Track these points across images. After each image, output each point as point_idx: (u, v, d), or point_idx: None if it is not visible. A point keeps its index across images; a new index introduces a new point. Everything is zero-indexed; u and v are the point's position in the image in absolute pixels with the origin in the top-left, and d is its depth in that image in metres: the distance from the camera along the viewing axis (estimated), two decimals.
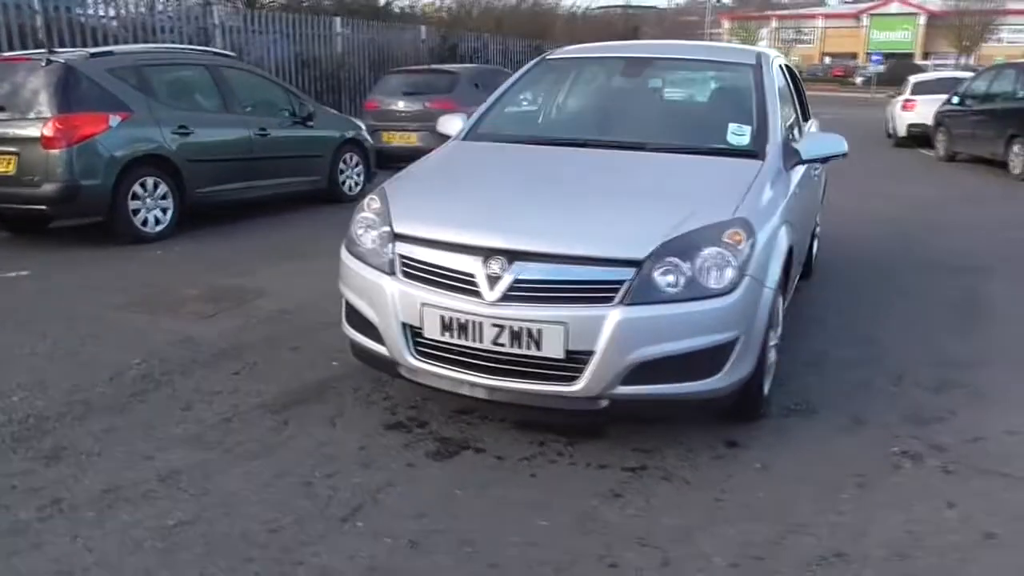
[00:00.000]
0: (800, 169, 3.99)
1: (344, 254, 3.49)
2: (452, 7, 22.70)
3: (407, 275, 3.16)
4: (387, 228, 3.31)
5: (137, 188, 6.60)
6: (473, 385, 3.09)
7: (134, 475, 2.92)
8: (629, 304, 2.88)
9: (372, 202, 3.52)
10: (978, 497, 2.90)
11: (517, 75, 4.57)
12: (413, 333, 3.14)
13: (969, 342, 4.60)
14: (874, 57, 47.57)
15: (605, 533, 2.63)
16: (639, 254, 2.92)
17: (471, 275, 3.01)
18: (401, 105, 11.43)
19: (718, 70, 4.49)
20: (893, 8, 70.64)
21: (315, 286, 5.32)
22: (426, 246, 3.16)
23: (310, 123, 8.39)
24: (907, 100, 16.22)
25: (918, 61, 57.50)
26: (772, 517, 2.74)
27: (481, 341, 2.98)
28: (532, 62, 4.68)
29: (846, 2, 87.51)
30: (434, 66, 13.58)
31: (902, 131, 16.18)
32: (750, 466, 3.10)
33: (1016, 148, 11.52)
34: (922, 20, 68.58)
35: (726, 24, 72.08)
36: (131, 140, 6.57)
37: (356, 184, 9.11)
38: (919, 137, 15.67)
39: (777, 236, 3.31)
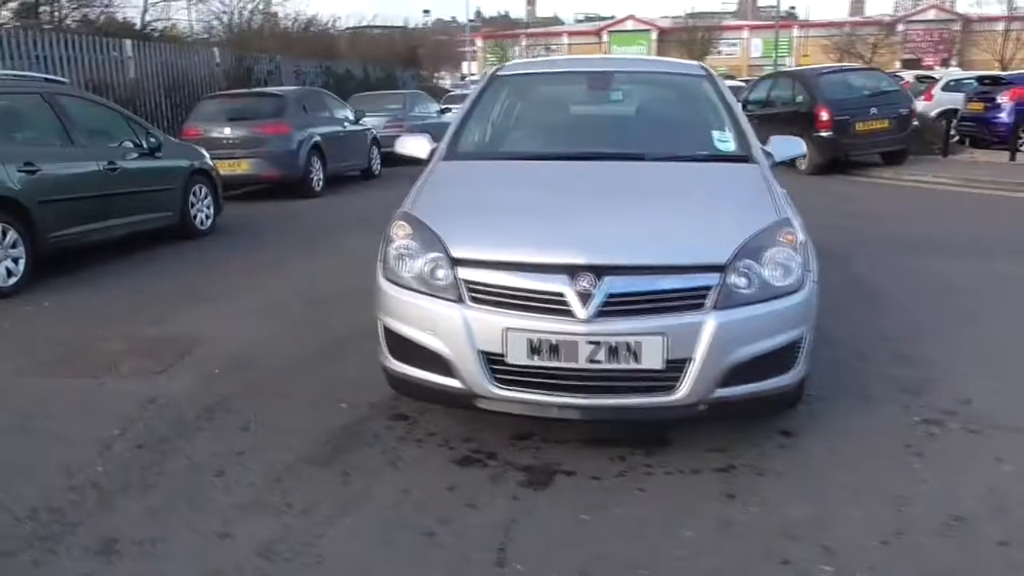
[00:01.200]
0: None
1: (386, 285, 3.27)
2: (234, 27, 21.65)
3: (478, 301, 3.03)
4: (436, 254, 3.14)
5: None
6: (564, 407, 3.02)
7: (225, 556, 2.57)
8: (720, 309, 2.95)
9: (400, 229, 3.34)
10: (1015, 449, 3.25)
11: (475, 92, 4.50)
12: (491, 360, 3.01)
13: (885, 318, 5.12)
14: None
15: (749, 533, 2.68)
16: (721, 259, 3.00)
17: (559, 294, 2.94)
18: (227, 131, 10.75)
19: (675, 80, 4.69)
20: (629, 25, 76.51)
21: (251, 327, 4.96)
22: (496, 269, 3.04)
23: (158, 154, 7.68)
24: None
25: None
26: (875, 494, 2.91)
27: (576, 360, 2.92)
28: (484, 79, 4.63)
29: (580, 20, 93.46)
30: (256, 90, 12.93)
31: None
32: (818, 451, 3.27)
33: None
34: (654, 36, 74.78)
35: (479, 43, 74.32)
36: None
37: (207, 217, 8.46)
38: None
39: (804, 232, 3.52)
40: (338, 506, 2.86)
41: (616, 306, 2.92)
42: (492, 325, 2.98)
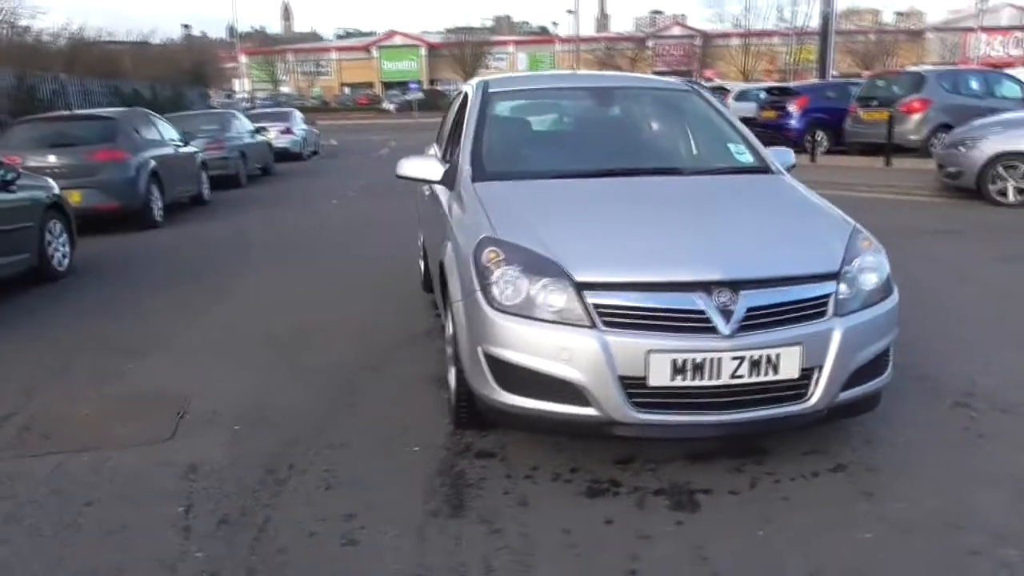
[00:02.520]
0: None
1: (494, 314, 3.07)
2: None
3: (613, 325, 2.94)
4: (550, 278, 3.01)
5: None
6: (703, 426, 3.01)
7: None
8: (839, 316, 3.07)
9: (493, 254, 3.16)
10: None
11: (475, 110, 4.33)
12: (628, 385, 2.93)
13: None
14: (412, 85, 51.34)
15: (919, 528, 2.80)
16: (834, 267, 3.13)
17: (700, 311, 2.93)
18: (51, 159, 9.54)
19: (668, 95, 4.78)
20: (398, 40, 76.81)
21: (227, 375, 4.54)
22: (629, 291, 2.98)
23: (13, 188, 6.69)
24: None
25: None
26: (987, 476, 3.15)
27: (719, 377, 2.93)
28: (477, 96, 4.46)
29: (342, 36, 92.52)
30: (80, 112, 11.59)
31: None
32: (900, 444, 3.48)
33: None
34: (424, 51, 75.66)
35: (243, 59, 71.33)
36: None
37: (64, 256, 7.48)
38: None
39: None
40: (516, 559, 2.66)
41: (754, 319, 2.95)
42: (633, 349, 2.91)
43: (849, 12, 61.81)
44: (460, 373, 3.39)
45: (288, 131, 20.93)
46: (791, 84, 20.16)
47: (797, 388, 3.02)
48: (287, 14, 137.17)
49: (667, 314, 2.93)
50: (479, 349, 3.17)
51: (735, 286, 2.96)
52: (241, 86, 57.59)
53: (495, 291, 3.10)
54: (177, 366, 4.69)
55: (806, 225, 3.43)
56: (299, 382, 4.35)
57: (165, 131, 11.69)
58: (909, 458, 3.34)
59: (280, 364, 4.69)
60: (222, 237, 9.55)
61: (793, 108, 16.16)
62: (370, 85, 74.80)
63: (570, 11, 74.21)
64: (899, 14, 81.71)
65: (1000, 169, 10.05)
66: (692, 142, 4.36)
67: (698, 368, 2.91)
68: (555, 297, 3.00)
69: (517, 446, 3.45)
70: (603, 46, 63.33)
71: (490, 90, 4.53)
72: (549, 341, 2.99)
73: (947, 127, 13.86)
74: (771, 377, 2.97)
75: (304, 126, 22.74)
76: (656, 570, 2.59)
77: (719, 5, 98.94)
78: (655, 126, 4.54)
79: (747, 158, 4.16)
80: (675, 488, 3.10)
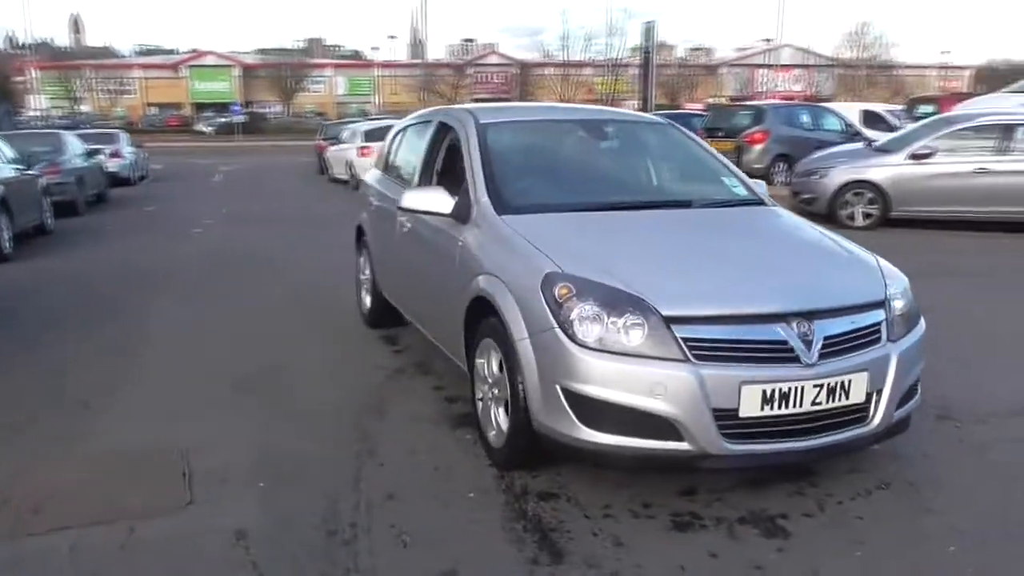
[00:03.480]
0: None
1: (578, 350, 3.02)
2: None
3: (704, 358, 2.97)
4: (635, 313, 3.00)
5: None
6: (786, 453, 3.09)
7: None
8: (893, 341, 3.27)
9: (565, 290, 3.11)
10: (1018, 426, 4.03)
11: (475, 142, 4.23)
12: (720, 417, 2.97)
13: None
14: (234, 107, 49.20)
15: (990, 535, 3.02)
16: (882, 295, 3.33)
17: (783, 342, 3.01)
18: None
19: (651, 129, 4.87)
20: (210, 60, 73.53)
21: (219, 423, 4.16)
22: (717, 324, 3.02)
23: None
24: (363, 147, 17.71)
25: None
26: (1007, 480, 3.45)
27: (801, 405, 3.02)
28: (470, 127, 4.36)
29: (142, 52, 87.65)
30: None
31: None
32: (920, 457, 3.73)
33: None
34: (238, 72, 72.87)
35: (35, 73, 65.64)
36: None
37: None
38: None
39: None
40: None
41: (830, 348, 3.08)
42: (727, 381, 2.95)
43: (657, 47, 65.97)
44: (521, 412, 3.27)
45: (117, 154, 19.45)
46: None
47: (862, 412, 3.17)
48: (77, 27, 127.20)
49: (755, 346, 3.00)
50: (557, 386, 3.09)
51: (811, 316, 3.08)
52: (35, 103, 52.87)
53: (577, 327, 3.04)
54: (147, 418, 4.22)
55: (842, 256, 3.62)
56: (301, 429, 4.04)
57: (5, 152, 10.55)
58: (937, 471, 3.58)
59: (266, 408, 4.34)
60: (94, 271, 8.69)
61: None
62: (179, 106, 71.09)
63: (392, 36, 74.11)
64: (694, 49, 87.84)
65: (849, 196, 11.06)
66: (689, 174, 4.48)
67: (784, 397, 2.99)
68: (643, 332, 2.99)
69: (576, 485, 3.38)
70: (423, 72, 63.64)
71: (482, 121, 4.44)
72: (641, 376, 2.96)
73: (784, 156, 15.09)
74: (843, 402, 3.10)
75: (132, 148, 21.24)
76: None
77: (532, 35, 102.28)
78: (651, 159, 4.62)
79: (742, 191, 4.33)
80: (755, 516, 3.15)
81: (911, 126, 12.60)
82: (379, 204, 5.45)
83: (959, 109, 15.01)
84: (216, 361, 5.19)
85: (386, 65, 73.92)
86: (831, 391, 3.05)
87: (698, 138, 4.76)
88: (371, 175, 6.03)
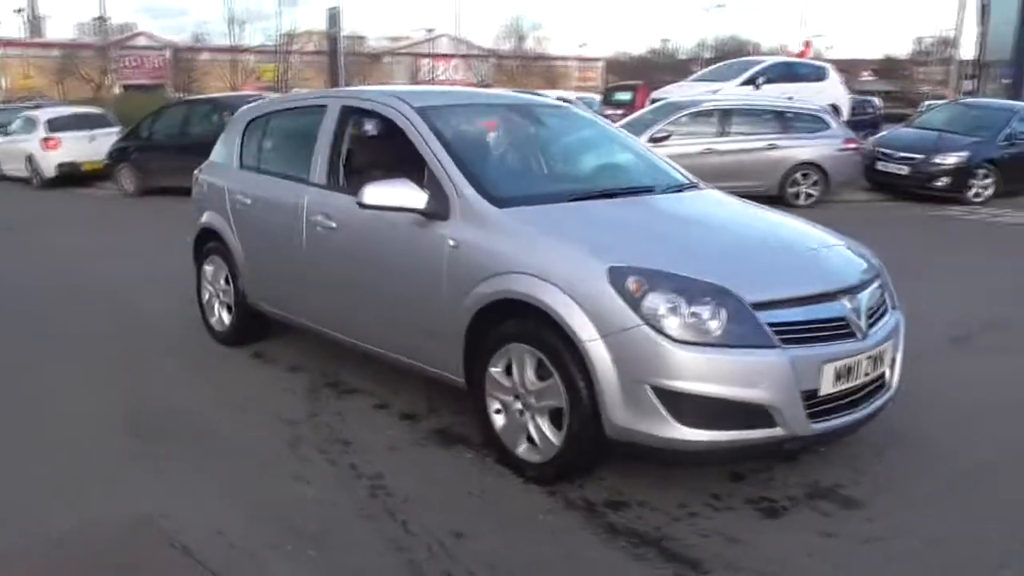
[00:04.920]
0: None
1: (674, 347, 2.86)
2: None
3: (787, 341, 2.98)
4: (718, 302, 2.92)
5: None
6: (849, 425, 3.19)
7: None
8: (894, 308, 3.54)
9: (636, 283, 2.95)
10: None
11: (426, 129, 3.79)
12: (806, 398, 3.01)
13: None
14: None
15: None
16: (878, 267, 3.58)
17: (842, 319, 3.12)
18: None
19: (574, 115, 4.69)
20: None
21: (194, 483, 3.40)
22: (791, 306, 3.05)
23: None
24: (48, 139, 15.28)
25: None
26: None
27: (859, 377, 3.17)
28: (412, 115, 3.90)
29: None
30: None
31: (51, 172, 15.25)
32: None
33: None
34: None
35: None
36: None
37: None
38: (71, 176, 15.22)
39: None
40: None
41: (871, 321, 3.25)
42: (811, 362, 2.99)
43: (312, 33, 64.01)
44: (587, 419, 3.03)
45: None
46: None
47: (882, 379, 3.38)
48: None
49: (827, 325, 3.07)
50: (646, 386, 2.91)
51: (853, 292, 3.21)
52: None
53: (665, 322, 2.88)
54: (69, 487, 3.26)
55: (823, 233, 3.78)
56: (273, 474, 3.39)
57: None
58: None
59: (205, 458, 3.56)
60: None
61: None
62: None
63: (19, 10, 64.66)
64: (347, 37, 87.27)
65: None
66: (629, 160, 4.42)
67: (849, 371, 3.10)
68: (731, 321, 2.91)
69: (630, 489, 3.22)
70: (61, 53, 56.29)
71: (417, 105, 4.01)
72: (739, 366, 2.90)
73: None
74: (878, 371, 3.29)
75: None
76: (941, 555, 2.74)
77: (176, 17, 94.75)
78: (592, 145, 4.49)
79: (678, 175, 4.36)
80: (819, 490, 3.23)
81: (643, 111, 13.62)
82: (256, 203, 4.71)
83: (655, 95, 16.52)
84: (104, 399, 4.20)
85: (11, 44, 64.15)
86: (874, 361, 3.22)
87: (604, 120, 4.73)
88: (218, 171, 5.18)
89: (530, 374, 3.23)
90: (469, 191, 3.53)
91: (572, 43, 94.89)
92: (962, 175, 12.10)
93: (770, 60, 17.58)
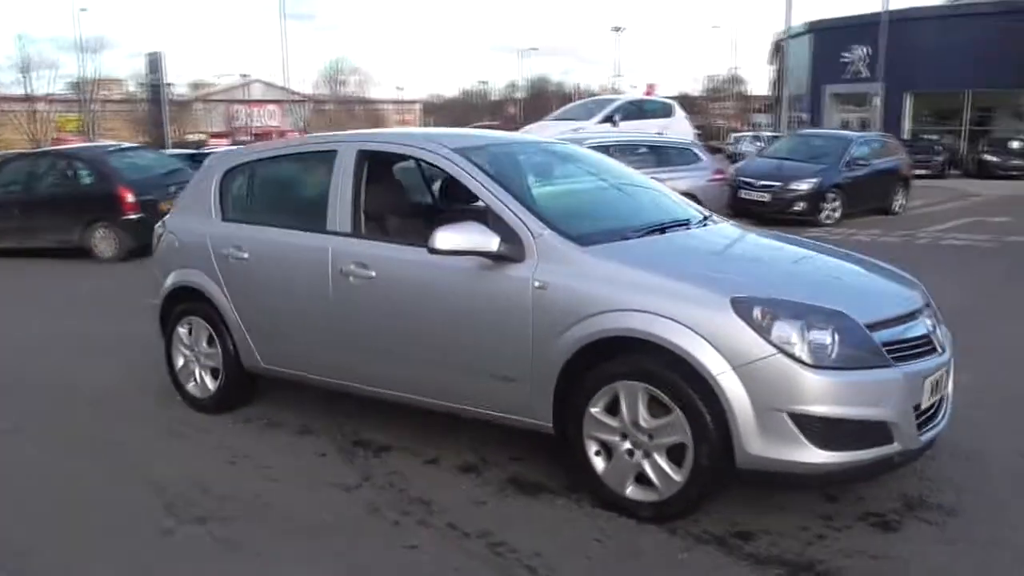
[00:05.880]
0: None
1: (811, 373, 2.94)
2: None
3: (898, 359, 3.13)
4: (841, 327, 3.03)
5: None
6: (933, 438, 3.35)
7: None
8: (940, 323, 3.78)
9: (763, 312, 3.02)
10: None
11: (474, 170, 3.70)
12: (915, 412, 3.17)
13: None
14: None
15: None
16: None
17: (927, 335, 3.33)
18: None
19: (582, 152, 4.71)
20: None
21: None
22: (893, 326, 3.22)
23: None
24: None
25: None
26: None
27: (943, 389, 3.39)
28: (453, 155, 3.81)
29: None
30: None
31: None
32: None
33: (100, 232, 11.69)
34: None
35: None
36: None
37: None
38: None
39: None
40: None
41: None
42: (916, 378, 3.16)
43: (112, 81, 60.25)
44: (715, 452, 3.04)
45: None
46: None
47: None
48: None
49: (920, 342, 3.25)
50: (783, 413, 2.96)
51: (926, 309, 3.44)
52: None
53: (797, 349, 2.96)
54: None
55: (862, 255, 4.01)
56: (396, 545, 3.13)
57: None
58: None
59: (311, 533, 3.22)
60: None
61: None
62: None
63: None
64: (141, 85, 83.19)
65: None
66: (654, 194, 4.46)
67: (937, 384, 3.30)
68: (852, 343, 3.03)
69: (740, 517, 3.25)
70: None
71: (455, 146, 3.91)
72: (866, 387, 3.02)
73: None
74: (950, 383, 3.51)
75: None
76: None
77: None
78: (615, 182, 4.50)
79: (694, 209, 4.47)
80: (915, 502, 3.39)
81: None
82: (257, 257, 4.36)
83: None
84: (107, 496, 3.66)
85: None
86: (947, 373, 3.44)
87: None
88: (192, 225, 4.74)
89: (643, 412, 3.19)
90: (547, 231, 3.47)
91: (390, 86, 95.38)
92: (815, 199, 13.22)
93: (621, 99, 18.48)
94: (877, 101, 29.21)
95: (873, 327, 3.10)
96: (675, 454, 3.16)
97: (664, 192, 4.51)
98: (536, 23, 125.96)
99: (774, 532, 3.14)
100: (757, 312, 3.01)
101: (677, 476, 3.15)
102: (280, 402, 4.76)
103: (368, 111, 66.94)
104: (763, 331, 2.98)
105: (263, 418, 4.58)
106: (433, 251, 3.47)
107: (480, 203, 3.75)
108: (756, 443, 2.99)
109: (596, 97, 21.29)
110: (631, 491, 3.27)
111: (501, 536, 3.16)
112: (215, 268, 4.52)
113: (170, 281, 4.78)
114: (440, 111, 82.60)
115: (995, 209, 15.87)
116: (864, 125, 28.90)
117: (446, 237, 3.46)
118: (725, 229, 4.18)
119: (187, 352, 4.77)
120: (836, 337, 3.00)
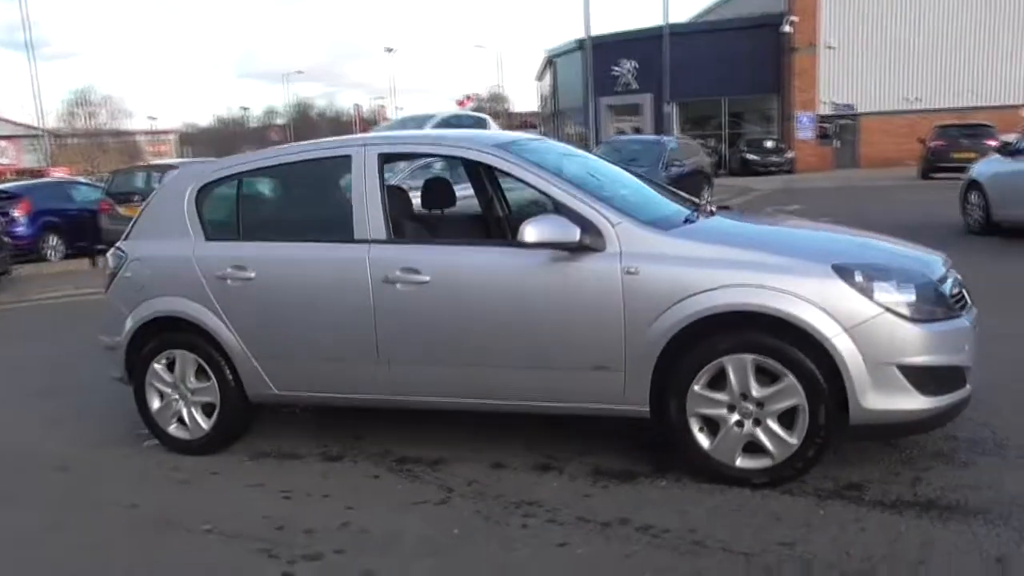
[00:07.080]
0: None
1: (916, 327, 3.24)
2: None
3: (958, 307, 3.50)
4: (921, 284, 3.34)
5: None
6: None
7: None
8: None
9: (863, 276, 3.26)
10: None
11: (529, 164, 3.68)
12: None
13: None
14: None
15: None
16: None
17: (960, 292, 3.66)
18: None
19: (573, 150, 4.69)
20: None
21: None
22: (944, 282, 3.54)
23: None
24: None
25: None
26: None
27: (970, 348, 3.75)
28: (503, 151, 3.77)
29: None
30: None
31: None
32: None
33: None
34: None
35: None
36: None
37: None
38: None
39: None
40: None
41: None
42: (969, 326, 3.50)
43: None
44: (829, 411, 3.22)
45: None
46: (9, 186, 16.88)
47: None
48: None
49: (958, 295, 3.60)
50: (893, 367, 3.20)
51: (950, 271, 3.83)
52: None
53: (901, 307, 3.22)
54: None
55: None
56: (551, 544, 2.99)
57: None
58: None
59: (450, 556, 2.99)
60: None
61: (18, 213, 14.22)
62: None
63: None
64: None
65: None
66: (656, 187, 4.57)
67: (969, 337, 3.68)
68: (933, 298, 3.35)
69: (836, 473, 3.44)
70: None
71: (493, 143, 3.87)
72: (953, 336, 3.35)
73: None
74: None
75: None
76: None
77: None
78: (619, 175, 4.54)
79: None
80: (967, 443, 3.73)
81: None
82: (268, 275, 3.98)
83: None
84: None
85: None
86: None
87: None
88: (167, 248, 4.21)
89: (752, 382, 3.31)
90: (627, 219, 3.51)
91: (142, 117, 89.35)
92: None
93: (438, 115, 18.59)
94: (646, 111, 31.57)
95: (940, 282, 3.44)
96: (785, 419, 3.30)
97: (656, 185, 4.68)
98: (288, 48, 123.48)
99: (875, 481, 3.37)
100: (859, 276, 3.23)
101: (792, 439, 3.30)
102: (267, 434, 4.42)
103: (120, 142, 62.06)
104: (867, 292, 3.20)
105: (269, 452, 4.21)
106: (523, 245, 3.41)
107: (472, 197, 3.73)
108: (870, 397, 3.20)
109: (414, 114, 21.24)
110: (740, 461, 3.38)
111: (642, 520, 3.15)
112: (207, 293, 4.08)
113: (141, 313, 4.24)
114: (197, 141, 78.70)
115: (782, 198, 17.71)
116: (638, 131, 31.07)
117: (534, 230, 3.41)
118: (737, 214, 4.45)
119: (167, 390, 4.26)
120: (922, 293, 3.29)
